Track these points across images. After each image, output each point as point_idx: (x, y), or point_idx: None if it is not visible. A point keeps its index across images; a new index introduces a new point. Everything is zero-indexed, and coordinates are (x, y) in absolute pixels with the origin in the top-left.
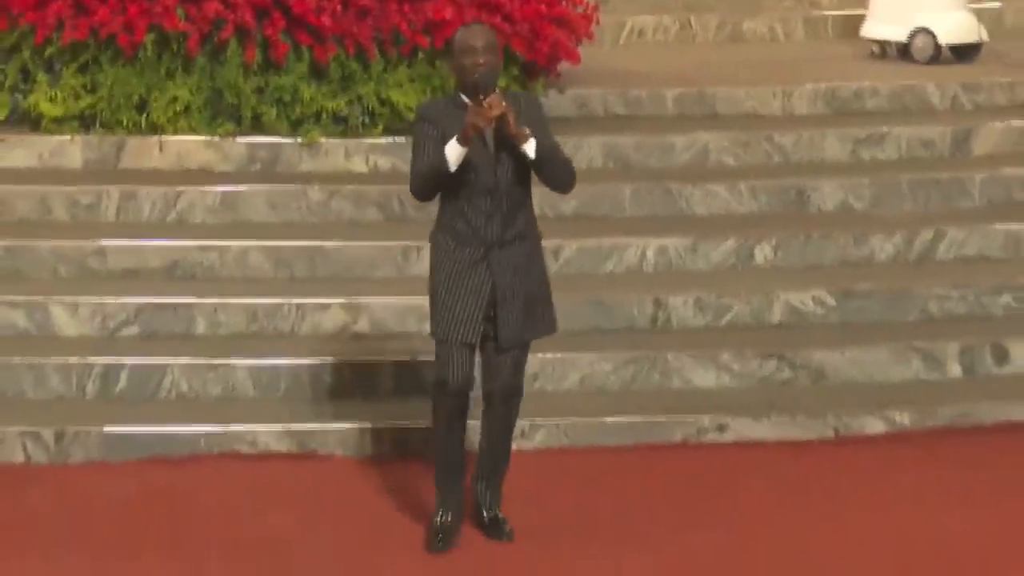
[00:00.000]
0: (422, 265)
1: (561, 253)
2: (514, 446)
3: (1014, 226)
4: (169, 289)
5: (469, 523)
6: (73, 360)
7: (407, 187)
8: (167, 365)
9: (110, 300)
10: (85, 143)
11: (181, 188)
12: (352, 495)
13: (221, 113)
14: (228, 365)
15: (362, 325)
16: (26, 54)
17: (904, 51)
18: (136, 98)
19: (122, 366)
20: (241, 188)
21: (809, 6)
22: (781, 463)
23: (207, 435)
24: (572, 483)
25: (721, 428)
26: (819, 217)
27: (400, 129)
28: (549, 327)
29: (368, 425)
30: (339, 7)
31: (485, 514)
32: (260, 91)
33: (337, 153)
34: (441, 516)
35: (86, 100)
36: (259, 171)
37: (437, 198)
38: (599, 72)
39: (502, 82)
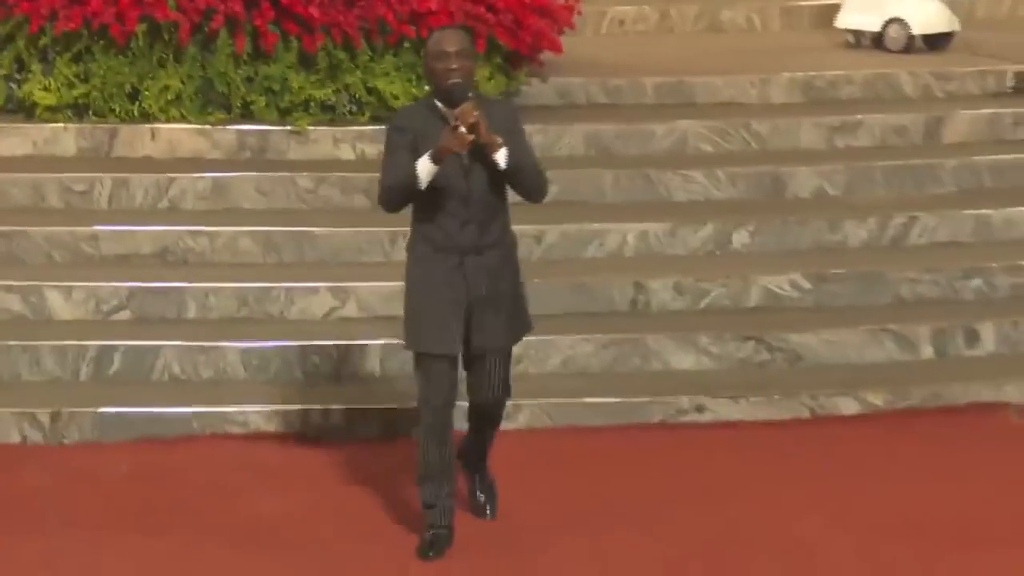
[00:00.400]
0: None
1: (544, 238)
2: None
3: (984, 212)
4: (161, 274)
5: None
6: (68, 343)
7: None
8: (159, 348)
9: (103, 284)
10: (78, 131)
11: (172, 175)
12: (340, 474)
13: (211, 102)
14: (219, 348)
15: (349, 309)
16: (20, 44)
17: (878, 40)
18: (128, 87)
19: (115, 349)
20: (231, 175)
21: None
22: (758, 442)
23: (199, 416)
24: (554, 462)
25: (699, 409)
26: (795, 203)
27: (386, 117)
28: (526, 326)
29: (355, 406)
30: None
31: (478, 494)
32: (250, 80)
33: (325, 141)
34: (433, 532)
35: (79, 89)
36: (249, 158)
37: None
38: (581, 61)
39: (486, 71)
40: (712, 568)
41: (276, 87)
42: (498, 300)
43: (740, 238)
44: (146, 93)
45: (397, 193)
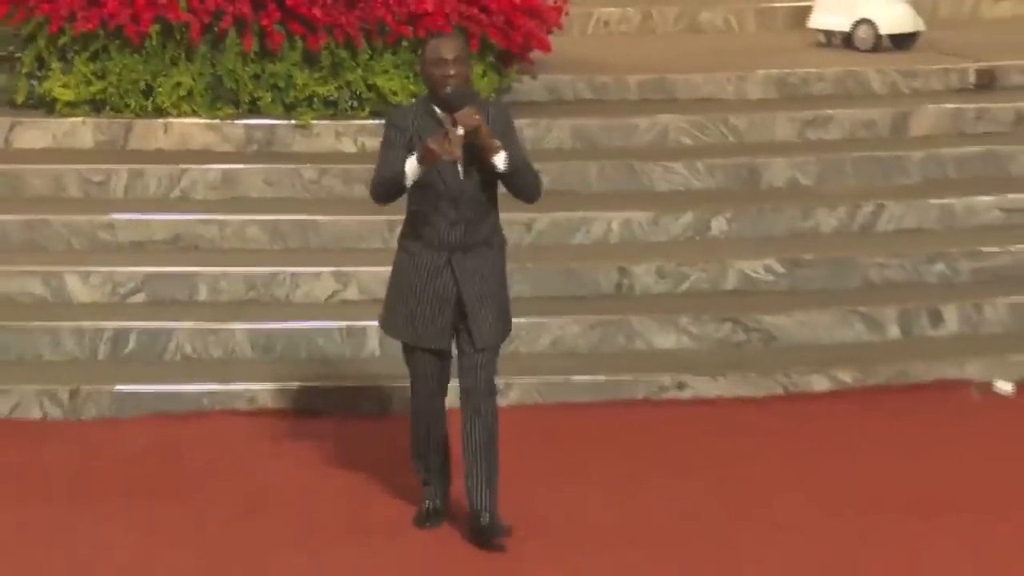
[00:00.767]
0: None
1: (533, 226)
2: None
3: (948, 201)
4: (174, 259)
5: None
6: (86, 324)
7: None
8: (172, 329)
9: (120, 269)
10: (96, 125)
11: (184, 167)
12: (342, 447)
13: (221, 97)
14: (228, 329)
15: (351, 292)
16: (41, 43)
17: (848, 40)
18: (142, 84)
19: (131, 330)
20: (239, 167)
21: None
22: (735, 418)
23: (209, 393)
24: (544, 436)
25: (680, 386)
26: (770, 192)
27: (386, 112)
28: (508, 328)
29: (356, 384)
30: (329, 0)
31: (482, 518)
32: (257, 77)
33: (328, 134)
34: (429, 504)
35: (97, 86)
36: (256, 151)
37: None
38: (568, 59)
39: (479, 69)
40: (692, 533)
41: (282, 84)
42: (485, 298)
43: (718, 225)
44: (159, 89)
45: (385, 188)
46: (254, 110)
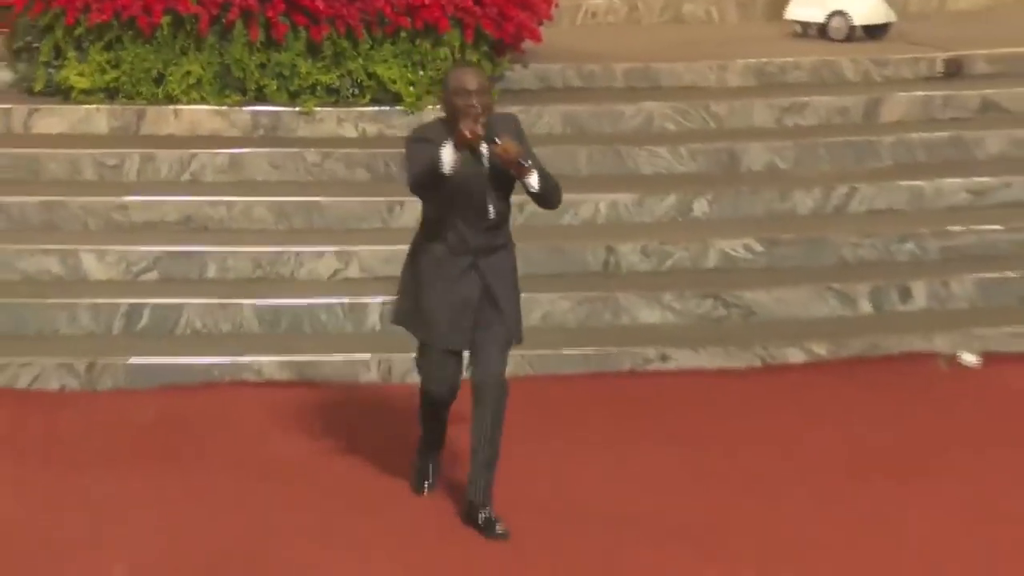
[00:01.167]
0: (405, 218)
1: (525, 207)
2: None
3: (917, 183)
4: (184, 239)
5: (464, 525)
6: (101, 301)
7: (391, 150)
8: (183, 305)
9: (133, 248)
10: (110, 112)
11: (194, 151)
12: (343, 416)
13: (229, 85)
14: (236, 305)
15: (352, 270)
16: (58, 34)
17: (822, 31)
18: (154, 72)
19: (144, 306)
20: (246, 151)
21: None
22: (716, 388)
23: (218, 366)
24: (534, 406)
25: (664, 358)
26: (749, 175)
27: (385, 99)
28: (520, 328)
29: (356, 356)
30: None
31: (480, 515)
32: (263, 66)
33: (330, 120)
34: (429, 482)
35: (111, 74)
36: (262, 136)
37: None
38: (558, 49)
39: (474, 58)
40: (674, 493)
41: (286, 72)
42: (505, 296)
43: (700, 207)
44: (170, 78)
45: (426, 177)
46: (260, 97)
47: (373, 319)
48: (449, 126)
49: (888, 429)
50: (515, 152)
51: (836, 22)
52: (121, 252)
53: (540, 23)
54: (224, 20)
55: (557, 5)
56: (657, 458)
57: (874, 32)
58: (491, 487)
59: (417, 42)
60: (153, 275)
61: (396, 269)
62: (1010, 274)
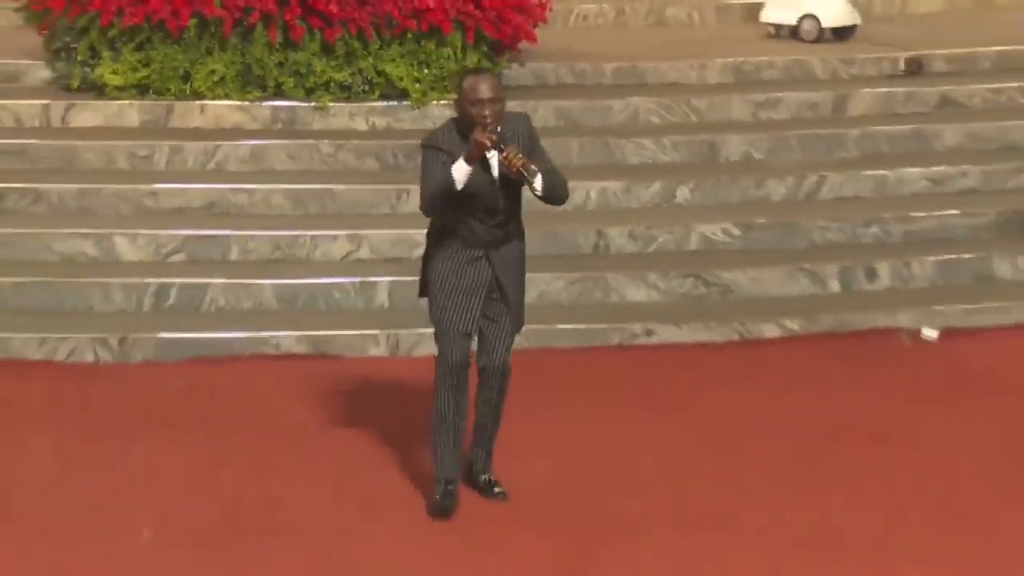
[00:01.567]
0: (411, 205)
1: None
2: None
3: (881, 172)
4: (209, 223)
5: (465, 486)
6: (133, 281)
7: (399, 141)
8: (208, 284)
9: (162, 232)
10: (141, 107)
11: (218, 143)
12: (356, 387)
13: (250, 83)
14: (257, 284)
15: (363, 252)
16: (93, 35)
17: (794, 32)
18: (182, 71)
19: (172, 285)
20: (266, 143)
21: None
22: (697, 360)
23: (241, 340)
24: (531, 377)
25: (649, 333)
26: (727, 165)
27: (393, 95)
28: (523, 317)
29: (368, 332)
30: None
31: (480, 478)
32: (281, 65)
33: (343, 115)
34: (446, 485)
35: (142, 72)
36: (280, 129)
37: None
38: (552, 49)
39: (474, 57)
40: (660, 457)
41: (303, 70)
42: (512, 287)
43: (682, 194)
44: (196, 76)
45: (439, 198)
46: (279, 93)
47: (382, 297)
48: (461, 128)
49: (856, 398)
50: (519, 162)
51: (807, 24)
52: (151, 235)
53: (535, 25)
54: (246, 23)
55: (551, 9)
56: (643, 422)
57: (841, 33)
58: (491, 454)
59: (422, 43)
60: (180, 257)
61: (403, 252)
62: (966, 255)
